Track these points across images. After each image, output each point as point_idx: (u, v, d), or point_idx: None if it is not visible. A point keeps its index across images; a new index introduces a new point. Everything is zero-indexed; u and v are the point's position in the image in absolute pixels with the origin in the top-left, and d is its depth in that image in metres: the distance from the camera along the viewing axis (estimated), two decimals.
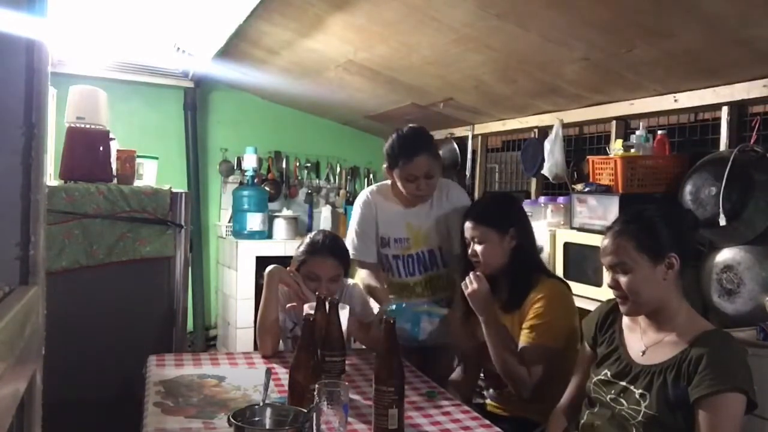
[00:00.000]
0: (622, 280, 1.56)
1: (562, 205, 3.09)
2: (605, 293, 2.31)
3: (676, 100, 2.67)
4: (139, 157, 2.97)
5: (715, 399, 1.40)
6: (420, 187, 2.30)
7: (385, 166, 2.39)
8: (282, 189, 4.94)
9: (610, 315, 1.72)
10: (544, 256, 2.87)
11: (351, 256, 2.42)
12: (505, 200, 2.22)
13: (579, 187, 2.82)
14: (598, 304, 1.84)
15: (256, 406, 1.44)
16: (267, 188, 4.77)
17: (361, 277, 2.46)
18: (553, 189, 3.48)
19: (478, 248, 2.04)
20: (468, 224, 2.07)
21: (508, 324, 2.01)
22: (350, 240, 2.48)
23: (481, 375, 2.27)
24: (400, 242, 2.42)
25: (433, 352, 2.45)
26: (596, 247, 2.63)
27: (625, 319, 1.67)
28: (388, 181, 2.47)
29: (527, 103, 3.40)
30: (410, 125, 2.41)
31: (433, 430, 1.61)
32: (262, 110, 4.92)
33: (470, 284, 1.98)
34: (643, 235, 1.55)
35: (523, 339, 1.94)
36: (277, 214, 4.69)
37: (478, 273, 2.00)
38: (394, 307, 2.12)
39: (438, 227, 2.39)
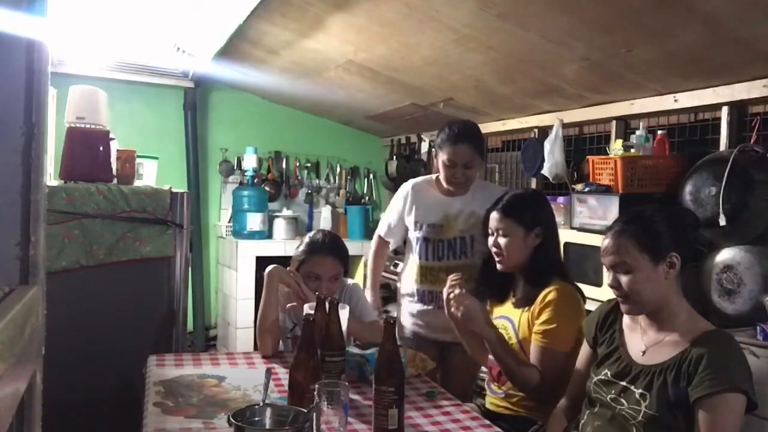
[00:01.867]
0: (623, 279, 1.56)
1: (562, 205, 3.09)
2: (605, 293, 2.30)
3: (676, 100, 2.67)
4: (139, 157, 2.97)
5: (715, 399, 1.40)
6: (456, 174, 2.42)
7: (433, 149, 2.60)
8: (282, 189, 4.94)
9: (610, 315, 1.72)
10: None
11: (381, 233, 2.73)
12: (536, 198, 2.17)
13: (579, 187, 2.82)
14: (598, 304, 1.84)
15: (256, 406, 1.45)
16: (267, 188, 4.77)
17: (369, 257, 2.74)
18: (553, 189, 3.48)
19: (502, 241, 2.01)
20: (495, 215, 2.04)
21: (517, 318, 2.00)
22: (384, 218, 2.74)
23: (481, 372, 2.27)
24: (433, 227, 2.50)
25: (450, 348, 2.49)
26: (596, 247, 2.63)
27: (626, 319, 1.67)
28: (433, 176, 2.64)
29: (527, 103, 3.40)
30: (464, 119, 2.61)
31: (433, 430, 1.61)
32: (262, 110, 4.92)
33: (457, 309, 1.90)
34: (644, 234, 1.55)
35: (535, 343, 1.92)
36: (277, 214, 4.69)
37: (456, 292, 1.92)
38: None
39: (473, 217, 2.46)
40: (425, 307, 2.52)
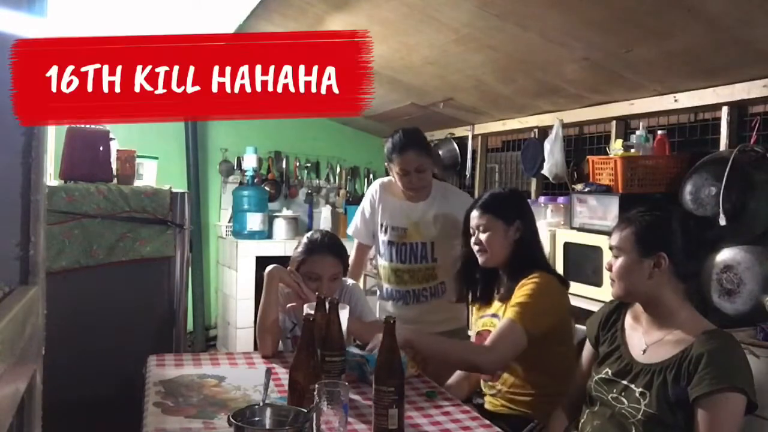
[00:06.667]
0: (615, 263, 1.61)
1: (562, 205, 3.09)
2: (605, 293, 2.30)
3: (676, 100, 2.67)
4: (139, 157, 2.97)
5: (715, 398, 1.40)
6: (412, 180, 2.49)
7: (386, 163, 2.61)
8: (282, 189, 4.94)
9: (612, 314, 1.73)
10: None
11: (349, 232, 2.76)
12: (513, 193, 2.25)
13: (579, 187, 2.82)
14: (598, 304, 1.84)
15: (256, 406, 1.44)
16: (267, 188, 4.77)
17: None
18: (553, 189, 3.48)
19: (483, 237, 2.04)
20: (474, 212, 2.09)
21: (502, 313, 2.01)
22: (353, 221, 2.75)
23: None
24: (397, 231, 2.58)
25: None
26: (596, 247, 2.64)
27: (628, 318, 1.68)
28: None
29: (527, 103, 3.39)
30: (404, 127, 2.61)
31: (433, 430, 1.61)
32: None
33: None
34: (647, 228, 1.57)
35: (507, 314, 1.94)
36: (277, 214, 4.69)
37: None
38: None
39: (435, 223, 2.54)
40: (395, 303, 2.62)
